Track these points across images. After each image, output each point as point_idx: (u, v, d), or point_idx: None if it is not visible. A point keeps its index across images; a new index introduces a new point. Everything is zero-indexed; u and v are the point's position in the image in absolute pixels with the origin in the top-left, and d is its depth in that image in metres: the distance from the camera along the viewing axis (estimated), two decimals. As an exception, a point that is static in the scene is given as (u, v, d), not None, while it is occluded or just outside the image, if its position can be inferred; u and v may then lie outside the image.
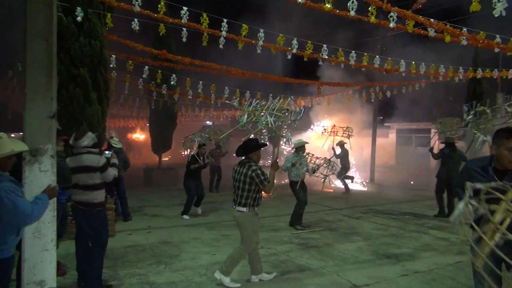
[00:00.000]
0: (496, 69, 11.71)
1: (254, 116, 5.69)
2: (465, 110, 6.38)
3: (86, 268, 4.69)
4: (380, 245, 7.02)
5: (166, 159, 23.61)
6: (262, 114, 4.98)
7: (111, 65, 9.93)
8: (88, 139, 4.66)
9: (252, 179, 4.76)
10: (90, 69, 7.50)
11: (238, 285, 4.96)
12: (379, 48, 15.02)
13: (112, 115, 23.08)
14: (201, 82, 12.20)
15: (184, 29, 8.17)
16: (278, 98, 5.89)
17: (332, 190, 14.11)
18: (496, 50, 7.12)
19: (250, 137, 5.64)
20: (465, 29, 6.71)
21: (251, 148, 4.99)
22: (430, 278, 5.37)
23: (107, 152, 5.57)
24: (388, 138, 26.96)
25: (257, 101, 5.27)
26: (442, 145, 9.81)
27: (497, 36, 7.26)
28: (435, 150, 10.10)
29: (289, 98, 6.84)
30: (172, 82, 11.70)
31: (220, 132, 10.88)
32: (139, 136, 32.64)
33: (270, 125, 4.96)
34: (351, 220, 9.31)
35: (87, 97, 7.41)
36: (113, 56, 10.02)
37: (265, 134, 6.08)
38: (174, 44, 14.27)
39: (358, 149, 19.61)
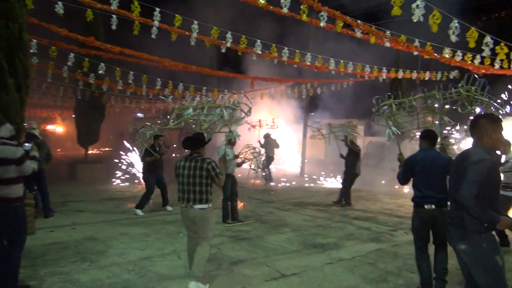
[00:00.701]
0: (415, 71, 12.65)
1: (203, 109, 5.71)
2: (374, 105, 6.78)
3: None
4: (308, 236, 7.30)
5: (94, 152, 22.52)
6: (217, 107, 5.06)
7: (31, 51, 9.21)
8: (5, 129, 4.31)
9: (208, 172, 4.61)
10: (7, 54, 6.89)
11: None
12: (310, 45, 15.49)
13: (33, 104, 21.48)
14: (131, 72, 11.76)
15: (114, 16, 7.83)
16: (227, 93, 6.05)
17: (260, 182, 14.42)
18: (415, 53, 7.70)
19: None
20: (388, 32, 7.17)
21: (201, 142, 4.82)
22: (353, 265, 5.70)
23: (26, 144, 5.19)
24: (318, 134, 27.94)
25: (206, 97, 5.30)
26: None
27: (416, 40, 7.83)
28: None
29: (242, 94, 6.83)
30: (100, 72, 11.15)
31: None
32: (62, 127, 30.67)
33: (225, 119, 5.00)
34: (281, 212, 9.57)
35: (3, 83, 6.82)
36: (34, 40, 9.30)
37: (207, 129, 6.01)
38: (103, 32, 13.58)
39: (290, 143, 20.25)
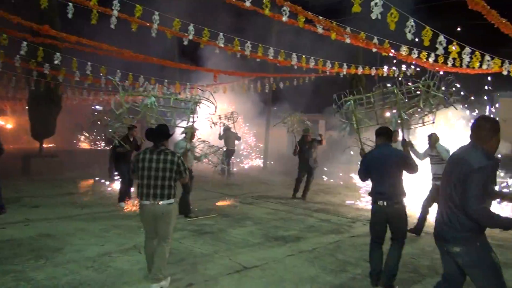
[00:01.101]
0: (374, 67, 13.02)
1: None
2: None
3: None
4: (270, 229, 7.39)
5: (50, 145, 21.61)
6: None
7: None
8: None
9: (178, 167, 4.45)
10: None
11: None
12: (273, 39, 15.59)
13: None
14: (89, 63, 11.35)
15: (70, 4, 7.53)
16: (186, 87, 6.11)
17: (221, 175, 14.43)
18: (374, 50, 7.93)
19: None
20: (348, 29, 7.33)
21: (166, 133, 4.65)
22: (313, 256, 5.84)
23: None
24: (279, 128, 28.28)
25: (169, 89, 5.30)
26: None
27: (375, 37, 8.05)
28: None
29: (207, 91, 6.73)
30: (56, 62, 10.69)
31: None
32: (13, 120, 29.14)
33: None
34: (244, 206, 9.62)
35: None
36: (-18, 27, 8.80)
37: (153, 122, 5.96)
38: (59, 21, 13.01)
39: (252, 136, 20.34)
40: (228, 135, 13.93)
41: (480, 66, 7.58)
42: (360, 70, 12.14)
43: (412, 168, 4.68)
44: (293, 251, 6.05)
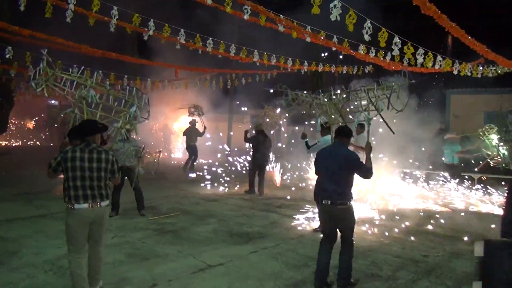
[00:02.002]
0: (334, 65, 13.33)
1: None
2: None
3: None
4: (233, 226, 7.45)
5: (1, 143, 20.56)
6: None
7: None
8: None
9: (112, 166, 4.17)
10: None
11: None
12: (236, 36, 15.58)
13: None
14: (44, 58, 10.84)
15: (23, -4, 7.19)
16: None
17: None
18: (333, 48, 8.13)
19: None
20: (308, 28, 7.47)
21: (93, 127, 4.21)
22: (276, 252, 5.95)
23: None
24: (244, 123, 28.39)
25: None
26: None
27: (335, 36, 8.25)
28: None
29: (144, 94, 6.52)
30: (8, 56, 10.17)
31: None
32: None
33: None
34: (207, 203, 9.61)
35: None
36: None
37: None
38: (9, 12, 12.38)
39: (216, 132, 20.29)
40: (190, 130, 13.78)
41: (433, 65, 7.95)
42: (320, 68, 12.37)
43: (364, 172, 4.64)
44: (257, 248, 6.14)
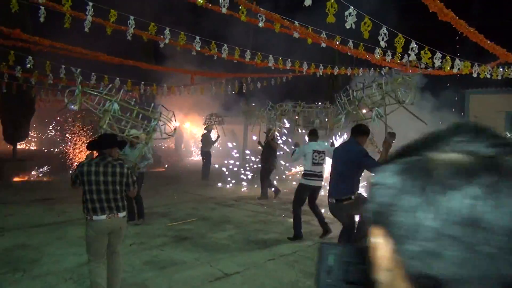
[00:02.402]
0: (349, 67, 13.24)
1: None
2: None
3: None
4: (250, 232, 7.46)
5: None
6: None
7: None
8: None
9: (127, 178, 4.26)
10: None
11: None
12: (251, 41, 15.61)
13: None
14: (63, 66, 11.13)
15: (42, 7, 7.37)
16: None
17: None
18: (349, 53, 8.08)
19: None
20: (324, 33, 7.44)
21: (111, 140, 4.36)
22: (293, 260, 5.94)
23: None
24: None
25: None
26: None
27: (350, 40, 8.19)
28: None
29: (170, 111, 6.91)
30: (28, 65, 10.43)
31: None
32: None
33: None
34: (223, 208, 9.65)
35: None
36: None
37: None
38: (31, 23, 12.70)
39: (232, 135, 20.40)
40: (205, 137, 13.91)
41: (451, 69, 7.82)
42: (336, 71, 12.31)
43: (373, 167, 4.65)
44: (273, 255, 6.14)
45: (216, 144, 14.28)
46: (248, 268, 5.55)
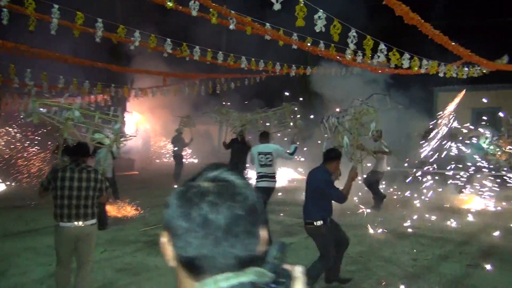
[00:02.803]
0: (321, 67, 13.43)
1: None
2: None
3: None
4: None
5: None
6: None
7: None
8: None
9: (101, 184, 4.31)
10: None
11: None
12: (223, 42, 15.56)
13: None
14: (28, 70, 10.77)
15: (5, 10, 7.12)
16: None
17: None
18: (320, 54, 8.17)
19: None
20: (295, 35, 7.50)
21: (86, 152, 4.55)
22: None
23: None
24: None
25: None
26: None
27: (321, 42, 8.26)
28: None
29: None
30: (-8, 68, 10.07)
31: None
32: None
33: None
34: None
35: None
36: None
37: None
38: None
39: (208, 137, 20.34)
40: (177, 139, 13.73)
41: (419, 68, 8.01)
42: (308, 71, 12.43)
43: (335, 198, 4.81)
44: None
45: (187, 147, 14.11)
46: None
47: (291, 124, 10.89)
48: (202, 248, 0.82)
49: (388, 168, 10.43)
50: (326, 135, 6.71)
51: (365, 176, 8.61)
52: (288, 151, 7.39)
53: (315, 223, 4.73)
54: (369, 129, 6.16)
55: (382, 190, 10.09)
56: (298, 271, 0.87)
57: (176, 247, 0.85)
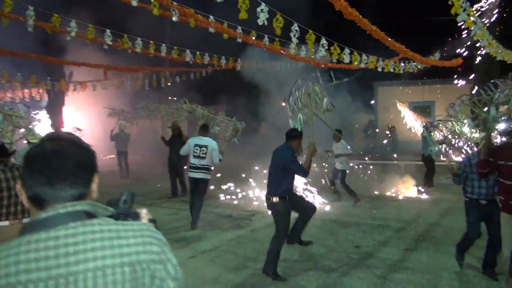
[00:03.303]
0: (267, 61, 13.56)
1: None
2: None
3: None
4: (171, 230, 7.31)
5: None
6: None
7: None
8: None
9: None
10: None
11: None
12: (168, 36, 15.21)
13: None
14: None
15: None
16: None
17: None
18: (264, 49, 8.25)
19: None
20: (239, 28, 7.49)
21: (5, 153, 4.36)
22: (215, 256, 5.94)
23: None
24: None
25: None
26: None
27: (266, 36, 8.33)
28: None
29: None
30: None
31: None
32: None
33: None
34: (142, 208, 9.31)
35: None
36: None
37: None
38: None
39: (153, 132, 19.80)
40: (120, 136, 13.26)
41: (359, 63, 8.32)
42: (254, 64, 12.50)
43: (298, 172, 5.19)
44: (195, 252, 6.08)
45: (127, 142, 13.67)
46: (169, 268, 5.43)
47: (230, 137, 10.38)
48: (42, 188, 1.11)
49: (351, 164, 10.69)
50: (290, 114, 6.78)
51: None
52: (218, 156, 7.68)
53: (273, 199, 5.04)
54: (322, 105, 6.28)
55: (328, 181, 10.28)
56: (143, 212, 1.36)
57: (25, 190, 1.14)
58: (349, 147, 9.59)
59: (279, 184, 5.07)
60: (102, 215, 1.18)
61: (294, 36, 5.60)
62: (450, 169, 5.35)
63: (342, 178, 9.47)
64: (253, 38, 8.00)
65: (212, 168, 7.78)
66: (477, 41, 6.66)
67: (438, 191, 10.90)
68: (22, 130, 6.08)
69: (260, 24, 4.92)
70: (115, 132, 13.12)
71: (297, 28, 5.60)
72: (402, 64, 9.92)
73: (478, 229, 4.90)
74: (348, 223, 7.67)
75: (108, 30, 7.93)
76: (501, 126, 5.29)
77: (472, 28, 5.56)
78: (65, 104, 17.59)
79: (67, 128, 14.59)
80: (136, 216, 1.25)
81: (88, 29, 7.75)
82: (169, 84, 16.57)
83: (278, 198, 5.03)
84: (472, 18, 5.43)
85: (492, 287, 4.73)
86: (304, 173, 5.18)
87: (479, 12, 13.64)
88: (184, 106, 10.87)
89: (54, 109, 16.77)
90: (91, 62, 12.87)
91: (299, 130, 5.74)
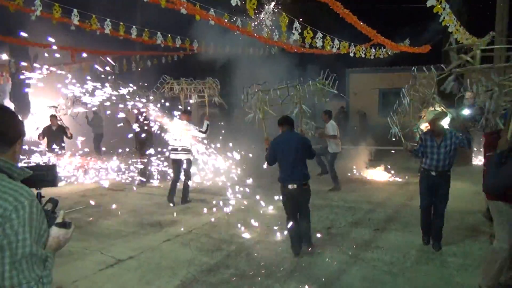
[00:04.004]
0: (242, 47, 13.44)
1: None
2: None
3: None
4: (145, 215, 7.25)
5: None
6: None
7: None
8: None
9: None
10: None
11: None
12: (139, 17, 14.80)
13: None
14: None
15: None
16: None
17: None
18: (237, 32, 8.17)
19: None
20: (212, 10, 7.39)
21: None
22: (189, 239, 5.94)
23: None
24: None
25: None
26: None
27: (239, 19, 8.24)
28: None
29: None
30: None
31: None
32: None
33: None
34: (116, 193, 9.21)
35: None
36: None
37: None
38: None
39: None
40: (97, 118, 13.05)
41: (331, 48, 8.38)
42: (227, 49, 12.37)
43: (310, 154, 5.32)
44: (169, 236, 6.07)
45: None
46: (143, 252, 5.41)
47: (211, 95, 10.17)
48: None
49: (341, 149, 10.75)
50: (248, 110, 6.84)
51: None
52: (200, 129, 8.14)
53: (308, 184, 5.25)
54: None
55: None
56: (62, 212, 1.79)
57: None
58: (336, 130, 9.48)
59: (306, 168, 5.21)
60: (12, 173, 1.59)
61: (268, 18, 5.58)
62: (405, 147, 5.79)
63: (331, 161, 9.50)
64: (226, 21, 7.90)
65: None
66: (446, 27, 6.82)
67: (406, 174, 11.22)
68: None
69: (233, 4, 4.87)
70: (91, 117, 12.98)
71: (270, 10, 5.58)
72: (373, 49, 10.07)
73: (427, 198, 5.42)
74: (320, 206, 7.80)
75: (75, 10, 7.65)
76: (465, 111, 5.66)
77: (440, 13, 5.68)
78: (30, 87, 16.89)
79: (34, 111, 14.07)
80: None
81: (54, 8, 7.45)
82: (139, 69, 16.17)
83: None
84: (441, 4, 5.55)
85: (457, 261, 4.95)
86: (314, 155, 5.45)
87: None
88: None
89: (19, 93, 16.10)
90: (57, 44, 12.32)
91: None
